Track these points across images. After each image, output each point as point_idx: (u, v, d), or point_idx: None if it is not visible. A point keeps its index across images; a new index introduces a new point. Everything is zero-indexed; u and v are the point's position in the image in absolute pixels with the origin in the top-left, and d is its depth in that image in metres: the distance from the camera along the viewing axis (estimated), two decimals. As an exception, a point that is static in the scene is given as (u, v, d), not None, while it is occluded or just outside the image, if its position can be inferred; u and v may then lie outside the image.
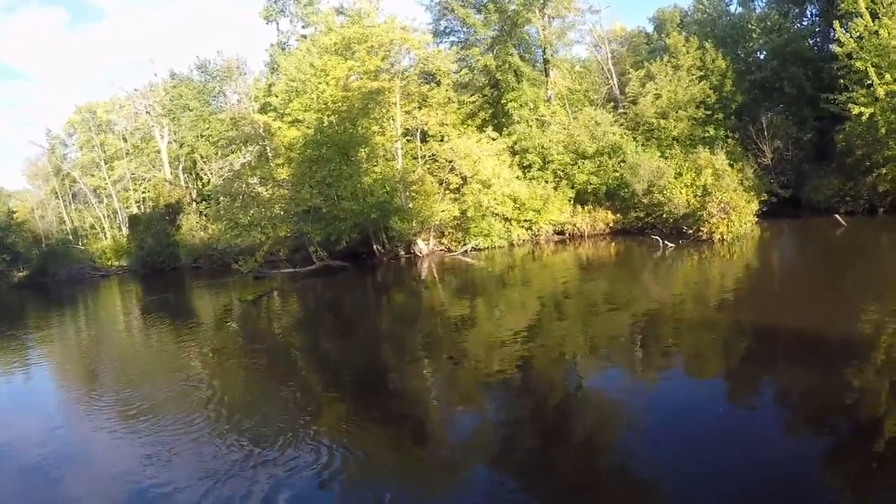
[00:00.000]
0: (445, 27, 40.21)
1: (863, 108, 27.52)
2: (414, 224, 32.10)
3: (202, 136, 55.35)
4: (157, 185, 53.83)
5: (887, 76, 27.05)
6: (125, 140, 60.78)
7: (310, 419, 9.90)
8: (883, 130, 27.19)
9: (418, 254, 33.40)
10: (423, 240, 33.69)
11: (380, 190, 31.39)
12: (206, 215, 47.13)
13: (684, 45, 38.49)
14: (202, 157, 55.52)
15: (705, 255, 23.91)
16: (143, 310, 28.81)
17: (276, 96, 42.09)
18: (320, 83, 35.33)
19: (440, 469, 8.02)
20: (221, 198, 37.57)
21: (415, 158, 35.37)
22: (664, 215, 30.17)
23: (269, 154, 35.86)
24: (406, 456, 8.49)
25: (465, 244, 33.49)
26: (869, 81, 27.49)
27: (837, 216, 27.67)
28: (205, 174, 55.70)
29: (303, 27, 51.25)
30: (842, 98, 29.17)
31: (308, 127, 33.89)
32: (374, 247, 33.81)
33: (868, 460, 6.80)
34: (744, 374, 10.48)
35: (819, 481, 6.63)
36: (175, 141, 57.11)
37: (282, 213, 32.77)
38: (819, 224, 28.68)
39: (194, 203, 52.26)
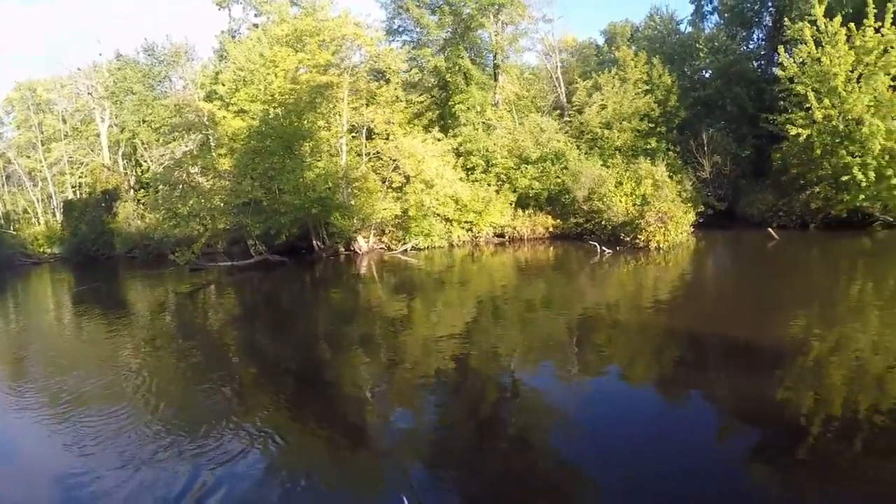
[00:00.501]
0: (399, 26, 40.19)
1: (800, 130, 28.43)
2: (355, 221, 31.91)
3: (144, 122, 53.69)
4: (95, 171, 52.00)
5: (825, 101, 28.03)
6: (64, 121, 58.37)
7: (242, 414, 9.70)
8: (818, 151, 28.17)
9: (358, 251, 33.12)
10: (364, 237, 33.45)
11: (322, 185, 30.88)
12: (143, 204, 45.70)
13: (633, 59, 39.20)
14: (143, 143, 53.82)
15: (641, 262, 24.32)
16: (75, 300, 27.72)
17: (223, 85, 41.14)
18: (269, 74, 34.70)
19: (374, 466, 7.93)
20: (161, 186, 36.44)
21: (359, 155, 35.08)
22: (603, 222, 30.53)
23: (212, 143, 34.99)
24: (340, 452, 8.33)
25: (405, 243, 33.39)
26: (808, 105, 28.38)
27: (770, 229, 28.46)
28: (145, 161, 53.89)
29: (255, 16, 50.19)
30: (781, 119, 30.13)
31: (253, 118, 33.10)
32: (314, 242, 33.36)
33: (796, 457, 7.13)
34: (677, 377, 10.67)
35: (748, 478, 6.84)
36: (116, 125, 55.14)
37: (222, 204, 31.95)
38: (752, 236, 29.47)
39: (132, 190, 50.77)
